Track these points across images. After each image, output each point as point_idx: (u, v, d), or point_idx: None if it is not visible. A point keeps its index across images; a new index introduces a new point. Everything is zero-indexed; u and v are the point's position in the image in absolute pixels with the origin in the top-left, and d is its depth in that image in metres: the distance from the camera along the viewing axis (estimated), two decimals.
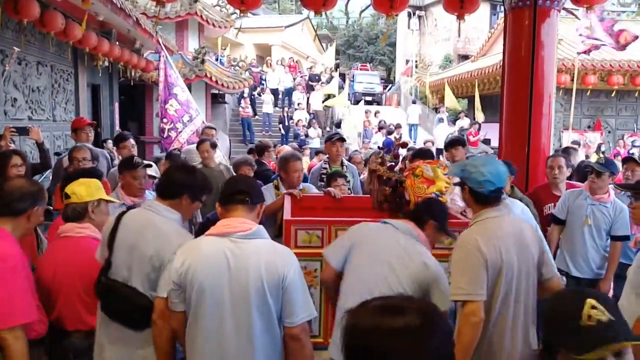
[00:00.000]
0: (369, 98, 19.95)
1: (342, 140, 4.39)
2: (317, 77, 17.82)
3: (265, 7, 28.68)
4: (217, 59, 14.73)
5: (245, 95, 14.12)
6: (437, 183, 2.58)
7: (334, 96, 15.46)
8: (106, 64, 8.00)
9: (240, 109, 14.01)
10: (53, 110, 6.71)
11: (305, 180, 3.76)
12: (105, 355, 2.02)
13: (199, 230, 3.14)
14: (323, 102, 15.50)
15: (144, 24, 8.10)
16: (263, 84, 17.01)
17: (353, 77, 20.67)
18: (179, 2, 11.48)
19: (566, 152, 5.07)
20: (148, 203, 2.12)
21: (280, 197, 3.13)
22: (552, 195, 3.79)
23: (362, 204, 3.13)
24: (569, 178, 4.09)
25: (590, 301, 1.14)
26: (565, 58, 10.41)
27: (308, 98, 15.71)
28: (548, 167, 3.82)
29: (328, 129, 14.51)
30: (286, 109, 14.71)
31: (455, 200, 3.13)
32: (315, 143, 12.66)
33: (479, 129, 12.30)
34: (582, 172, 4.28)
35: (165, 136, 6.90)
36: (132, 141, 4.70)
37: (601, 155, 7.76)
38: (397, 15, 4.57)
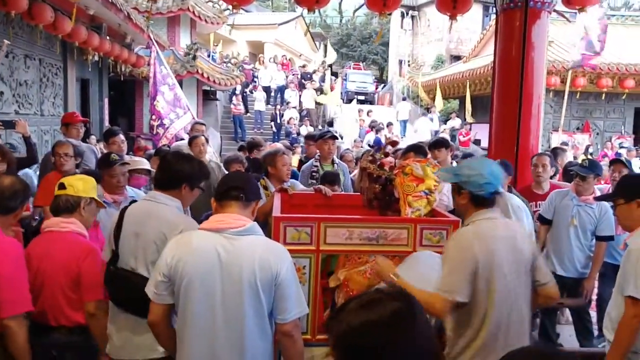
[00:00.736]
0: (361, 97, 20.00)
1: (334, 138, 4.39)
2: (309, 75, 17.79)
3: (258, 4, 28.57)
4: (209, 56, 14.64)
5: (237, 92, 14.04)
6: (427, 181, 2.59)
7: (326, 94, 15.47)
8: (96, 58, 7.92)
9: (232, 106, 13.93)
10: (41, 104, 6.62)
11: (294, 176, 3.72)
12: (112, 343, 2.06)
13: None
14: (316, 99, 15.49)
15: (135, 18, 8.03)
16: (255, 81, 16.93)
17: (346, 76, 20.71)
18: None
19: (554, 152, 5.13)
20: (150, 194, 2.16)
21: (270, 198, 3.07)
22: (534, 193, 3.85)
23: (352, 201, 3.12)
24: (555, 178, 4.14)
25: None
26: (556, 60, 10.51)
27: (300, 96, 15.71)
28: (533, 164, 3.87)
29: (320, 127, 14.52)
30: (278, 106, 14.67)
31: (443, 199, 3.15)
32: None
33: (470, 129, 12.39)
34: (568, 174, 4.34)
35: (154, 133, 6.92)
36: (121, 137, 4.63)
37: (586, 157, 7.87)
38: (390, 14, 4.60)
